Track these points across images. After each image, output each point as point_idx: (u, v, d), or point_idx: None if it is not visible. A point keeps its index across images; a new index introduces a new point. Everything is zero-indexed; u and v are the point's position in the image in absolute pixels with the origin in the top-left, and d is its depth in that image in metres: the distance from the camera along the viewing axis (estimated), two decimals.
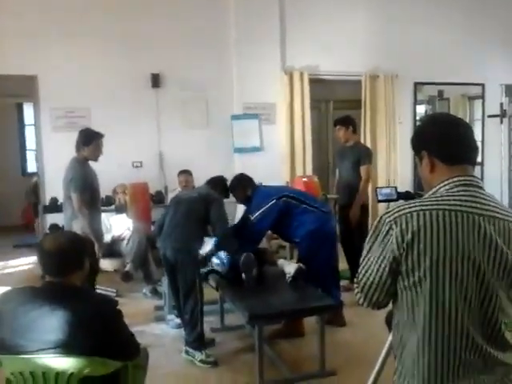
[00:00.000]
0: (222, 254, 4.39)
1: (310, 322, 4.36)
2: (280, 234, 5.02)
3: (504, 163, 7.34)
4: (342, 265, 5.63)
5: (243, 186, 4.63)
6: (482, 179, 8.27)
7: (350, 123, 5.78)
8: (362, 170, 5.63)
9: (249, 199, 4.60)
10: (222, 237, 4.29)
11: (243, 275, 4.09)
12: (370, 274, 1.67)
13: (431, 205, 1.61)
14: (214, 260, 4.87)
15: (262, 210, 4.37)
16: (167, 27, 7.29)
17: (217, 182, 4.57)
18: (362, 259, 1.72)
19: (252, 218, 4.39)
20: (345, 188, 5.79)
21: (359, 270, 1.73)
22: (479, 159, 8.48)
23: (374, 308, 1.74)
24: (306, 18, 7.72)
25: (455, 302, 1.57)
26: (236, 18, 7.48)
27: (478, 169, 8.45)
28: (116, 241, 5.85)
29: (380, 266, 1.64)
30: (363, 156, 5.69)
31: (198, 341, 4.15)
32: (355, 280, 1.75)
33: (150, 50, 7.20)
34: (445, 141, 1.70)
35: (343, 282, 5.38)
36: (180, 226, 4.27)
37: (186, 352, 4.18)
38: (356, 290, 1.74)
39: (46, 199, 6.75)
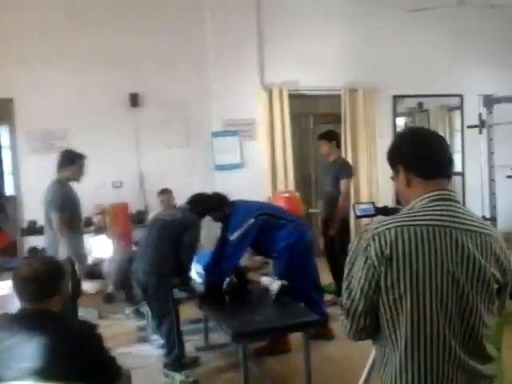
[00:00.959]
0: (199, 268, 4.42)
1: (297, 337, 4.32)
2: (258, 251, 5.00)
3: (484, 173, 7.38)
4: (328, 279, 5.64)
5: (220, 207, 4.57)
6: (462, 189, 8.40)
7: (333, 138, 5.81)
8: (341, 184, 5.65)
9: (226, 217, 4.57)
10: (182, 265, 4.25)
11: (226, 297, 4.08)
12: (355, 296, 1.64)
13: (408, 220, 1.62)
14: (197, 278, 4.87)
15: (242, 230, 4.34)
16: (145, 47, 7.28)
17: (197, 201, 4.52)
18: (343, 282, 1.69)
19: (232, 238, 4.36)
20: (326, 202, 5.81)
21: (342, 294, 1.69)
22: (460, 169, 8.57)
23: (361, 336, 1.69)
24: (283, 34, 7.77)
25: (436, 316, 1.56)
26: (213, 36, 7.51)
27: (458, 179, 8.53)
28: (97, 262, 5.79)
29: (364, 284, 1.61)
30: (341, 170, 5.70)
31: (176, 362, 4.12)
32: (340, 308, 1.71)
33: (128, 69, 7.19)
34: (420, 155, 1.71)
35: (329, 297, 5.36)
36: (152, 248, 4.25)
37: (166, 375, 4.13)
38: (342, 318, 1.69)
39: (24, 222, 6.67)
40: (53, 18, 6.93)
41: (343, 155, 7.57)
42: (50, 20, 6.92)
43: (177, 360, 4.11)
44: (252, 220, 4.38)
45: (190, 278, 4.46)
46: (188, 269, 4.35)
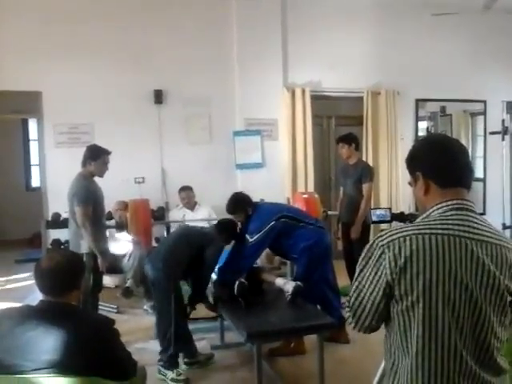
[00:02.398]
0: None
1: (312, 339, 4.34)
2: (277, 252, 5.03)
3: (506, 180, 7.34)
4: (345, 281, 5.63)
5: (244, 208, 4.59)
6: (483, 196, 8.34)
7: (352, 140, 5.80)
8: (364, 188, 5.64)
9: (249, 217, 4.59)
10: (204, 279, 4.35)
11: (240, 299, 4.11)
12: (363, 298, 1.67)
13: (424, 229, 1.61)
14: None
15: (261, 232, 4.35)
16: (170, 44, 7.36)
17: (225, 227, 4.55)
18: (353, 283, 1.72)
19: (250, 240, 4.37)
20: (348, 205, 5.80)
21: (350, 294, 1.72)
22: (481, 175, 8.50)
23: (365, 332, 1.72)
24: (308, 35, 7.78)
25: (448, 326, 1.57)
26: (239, 35, 7.55)
27: (480, 185, 8.46)
28: (118, 257, 5.85)
29: (373, 290, 1.64)
30: (364, 174, 5.69)
31: (170, 360, 4.17)
32: (346, 304, 1.74)
33: (154, 66, 7.28)
34: (440, 164, 1.70)
35: (344, 299, 5.36)
36: (168, 246, 4.33)
37: (159, 371, 4.18)
38: (348, 314, 1.73)
39: (49, 214, 6.77)
40: (81, 15, 7.04)
41: (364, 158, 7.57)
42: (79, 17, 7.02)
43: (170, 358, 4.16)
44: (272, 223, 4.39)
45: (205, 295, 4.52)
46: (205, 285, 4.42)
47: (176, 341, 4.14)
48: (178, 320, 4.16)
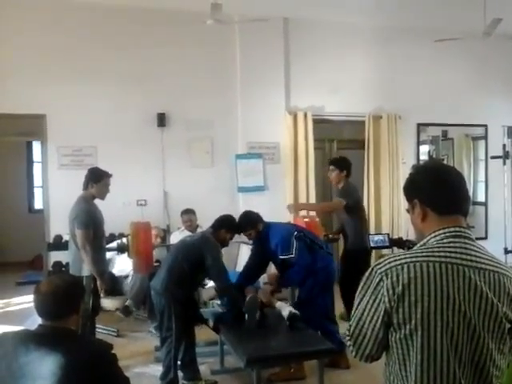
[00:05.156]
0: None
1: (311, 364, 4.31)
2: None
3: (507, 204, 7.35)
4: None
5: (255, 223, 4.60)
6: (485, 220, 8.32)
7: (344, 167, 5.52)
8: (333, 200, 5.55)
9: (259, 235, 4.58)
10: (222, 290, 4.28)
11: (246, 316, 4.07)
12: (363, 326, 1.66)
13: (421, 256, 1.62)
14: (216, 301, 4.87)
15: (294, 247, 4.35)
16: (174, 68, 7.43)
17: (222, 223, 4.50)
18: (353, 311, 1.71)
19: (291, 257, 4.35)
20: (344, 231, 5.74)
21: (350, 322, 1.71)
22: (483, 199, 8.50)
23: (367, 361, 1.71)
24: (310, 60, 7.85)
25: (446, 354, 1.56)
26: (241, 59, 7.63)
27: (481, 209, 8.45)
28: (118, 279, 5.84)
29: (372, 317, 1.63)
30: (341, 194, 5.56)
31: None
32: (347, 332, 1.73)
33: (157, 89, 7.33)
34: (436, 191, 1.71)
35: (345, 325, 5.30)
36: (167, 269, 4.29)
37: None
38: (349, 343, 1.72)
39: (51, 237, 6.78)
40: (85, 39, 7.12)
41: (365, 182, 7.60)
42: (83, 42, 7.11)
43: None
44: (295, 237, 4.40)
45: (233, 297, 4.35)
46: (225, 287, 4.30)
47: (180, 363, 4.14)
48: (178, 344, 4.14)
